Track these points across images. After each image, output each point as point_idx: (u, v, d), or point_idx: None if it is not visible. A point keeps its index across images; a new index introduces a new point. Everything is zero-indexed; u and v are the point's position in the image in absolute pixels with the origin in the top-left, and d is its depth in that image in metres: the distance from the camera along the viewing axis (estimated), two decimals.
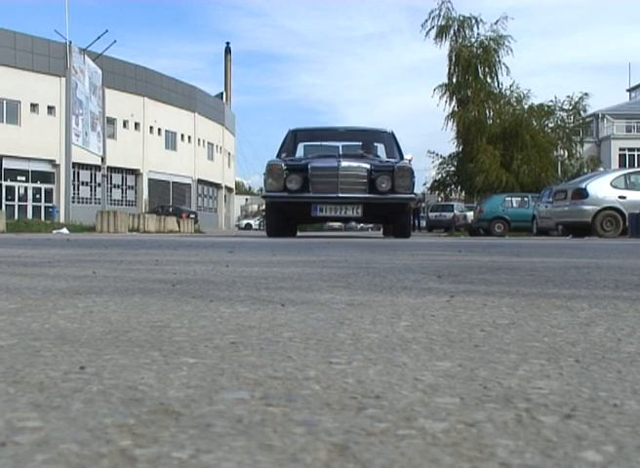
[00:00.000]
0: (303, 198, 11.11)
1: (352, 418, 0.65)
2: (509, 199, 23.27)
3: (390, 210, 11.49)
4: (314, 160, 11.67)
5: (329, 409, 0.68)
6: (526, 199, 22.91)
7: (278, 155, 12.31)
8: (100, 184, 35.68)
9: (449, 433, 0.61)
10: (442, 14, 30.90)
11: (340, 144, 11.94)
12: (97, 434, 0.60)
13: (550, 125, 32.30)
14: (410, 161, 12.27)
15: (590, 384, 0.79)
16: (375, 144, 13.18)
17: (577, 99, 32.18)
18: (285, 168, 11.10)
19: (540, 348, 1.02)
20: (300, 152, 13.19)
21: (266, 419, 0.64)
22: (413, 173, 11.40)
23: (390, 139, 13.18)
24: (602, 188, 15.16)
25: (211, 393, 0.74)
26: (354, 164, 11.31)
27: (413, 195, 11.54)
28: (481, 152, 29.41)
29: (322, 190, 11.05)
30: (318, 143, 13.21)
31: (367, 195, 11.08)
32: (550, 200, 17.68)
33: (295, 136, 13.26)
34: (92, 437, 0.59)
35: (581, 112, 32.58)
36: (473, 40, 31.03)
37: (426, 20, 31.09)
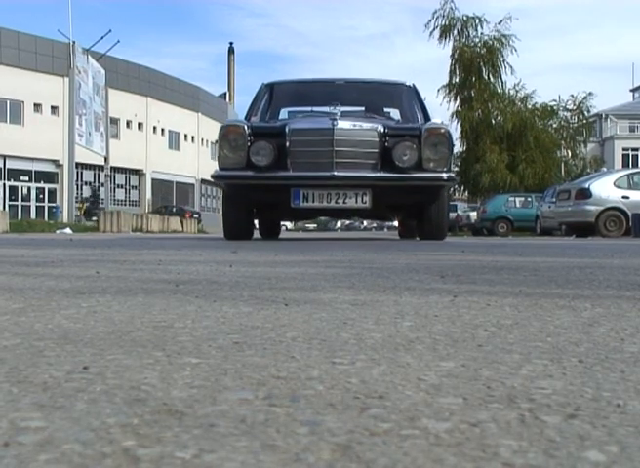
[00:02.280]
0: (278, 179, 7.14)
1: (356, 418, 0.65)
2: (512, 199, 23.26)
3: (416, 197, 7.44)
4: (295, 120, 7.74)
5: (332, 410, 0.68)
6: (529, 199, 22.90)
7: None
8: (103, 184, 35.72)
9: (452, 433, 0.61)
10: (445, 14, 30.87)
11: (338, 110, 7.19)
12: (100, 434, 0.60)
13: (554, 125, 32.28)
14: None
15: (593, 384, 0.79)
16: (387, 109, 8.87)
17: (580, 99, 32.17)
18: (249, 132, 7.10)
19: (544, 348, 1.02)
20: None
21: (270, 419, 0.64)
22: (451, 138, 7.41)
23: (410, 98, 8.71)
24: (605, 188, 15.15)
25: (214, 393, 0.74)
26: (358, 124, 7.30)
27: (451, 174, 7.38)
28: (488, 152, 29.37)
29: (308, 167, 7.04)
30: (308, 109, 8.56)
31: (378, 174, 7.07)
32: (554, 200, 17.66)
33: (271, 95, 8.74)
34: (95, 437, 0.59)
35: (585, 112, 32.55)
36: (477, 40, 31.00)
37: (430, 21, 31.02)
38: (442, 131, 7.26)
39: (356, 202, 7.07)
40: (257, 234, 9.18)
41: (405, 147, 7.03)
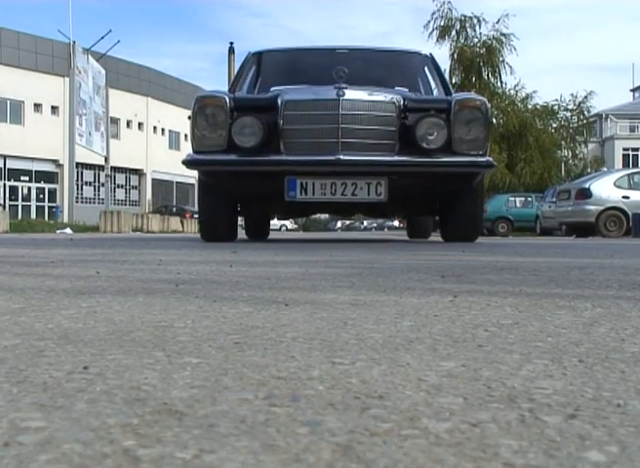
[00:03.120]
0: (268, 165, 5.76)
1: (356, 418, 0.65)
2: (513, 199, 23.26)
3: (444, 187, 5.99)
4: (290, 90, 6.22)
5: (332, 410, 0.68)
6: (529, 199, 22.90)
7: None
8: (103, 184, 35.73)
9: (452, 433, 0.61)
10: (443, 14, 30.84)
11: (344, 76, 5.71)
12: (100, 434, 0.60)
13: (554, 125, 32.26)
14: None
15: (594, 384, 0.79)
16: (401, 84, 6.94)
17: (581, 99, 32.15)
18: (232, 105, 5.74)
19: (544, 348, 1.02)
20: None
21: (270, 419, 0.64)
22: (487, 113, 5.84)
23: (428, 69, 7.23)
24: (605, 188, 15.16)
25: (214, 393, 0.74)
26: (372, 95, 5.83)
27: (489, 158, 5.89)
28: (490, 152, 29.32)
29: (307, 149, 5.67)
30: (305, 86, 6.54)
31: (397, 158, 5.69)
32: (554, 200, 17.67)
33: (259, 66, 7.29)
34: (95, 437, 0.59)
35: (585, 112, 32.53)
36: (476, 40, 30.98)
37: (429, 22, 30.99)
38: (477, 103, 5.78)
39: (368, 194, 5.62)
40: (240, 234, 7.45)
41: (430, 125, 5.58)
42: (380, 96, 5.82)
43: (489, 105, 5.91)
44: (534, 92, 31.68)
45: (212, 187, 6.09)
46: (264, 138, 5.62)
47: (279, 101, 5.72)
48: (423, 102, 6.12)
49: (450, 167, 5.77)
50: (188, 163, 5.88)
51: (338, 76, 5.73)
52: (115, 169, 38.41)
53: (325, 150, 5.61)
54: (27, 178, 37.99)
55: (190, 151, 5.86)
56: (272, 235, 10.76)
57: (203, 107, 5.77)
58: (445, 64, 30.29)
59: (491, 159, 5.94)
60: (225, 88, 8.30)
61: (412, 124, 5.66)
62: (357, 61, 6.82)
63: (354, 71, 6.05)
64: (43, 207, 38.28)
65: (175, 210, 39.29)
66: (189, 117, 5.83)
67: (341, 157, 5.54)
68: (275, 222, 53.76)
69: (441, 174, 5.79)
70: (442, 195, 6.27)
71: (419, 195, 6.26)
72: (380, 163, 5.72)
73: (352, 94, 5.69)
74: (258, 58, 7.33)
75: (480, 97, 6.10)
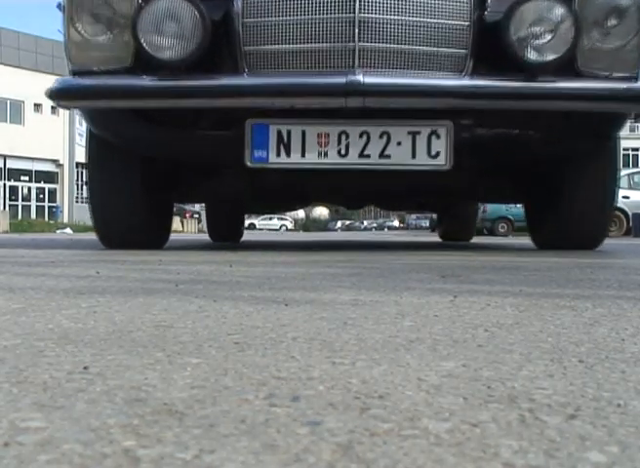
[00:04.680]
0: (215, 95, 3.18)
1: (356, 419, 0.65)
2: None
3: (560, 145, 3.47)
4: None
5: (333, 410, 0.68)
6: None
7: None
8: None
9: (452, 433, 0.61)
10: None
11: None
12: (100, 434, 0.60)
13: None
14: None
15: (594, 384, 0.79)
16: None
17: None
18: None
19: (544, 348, 1.02)
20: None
21: (270, 419, 0.64)
22: None
23: None
24: None
25: (214, 393, 0.74)
26: None
27: None
28: None
29: (288, 65, 3.16)
30: None
31: (471, 82, 3.17)
32: None
33: None
34: (95, 437, 0.59)
35: None
36: None
37: None
38: None
39: (413, 155, 3.21)
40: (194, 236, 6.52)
41: (538, 17, 3.07)
42: None
43: None
44: None
45: (107, 148, 3.63)
46: (206, 45, 3.10)
47: None
48: None
49: (578, 100, 3.17)
50: (57, 93, 3.29)
51: None
52: None
53: (327, 67, 3.13)
54: (27, 178, 38.01)
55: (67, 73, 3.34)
56: (268, 236, 10.46)
57: None
58: None
59: None
60: None
61: (499, 17, 3.10)
62: None
63: None
64: (43, 207, 38.29)
65: (174, 209, 39.25)
66: (59, 6, 3.36)
67: (360, 79, 3.00)
68: (275, 222, 53.21)
69: (559, 115, 3.28)
70: (554, 163, 3.75)
71: (511, 160, 3.68)
72: (437, 91, 3.16)
73: None
74: None
75: None
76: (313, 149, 3.26)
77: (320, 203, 7.53)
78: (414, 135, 3.25)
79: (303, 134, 3.26)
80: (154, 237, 4.17)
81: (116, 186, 3.75)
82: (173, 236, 5.14)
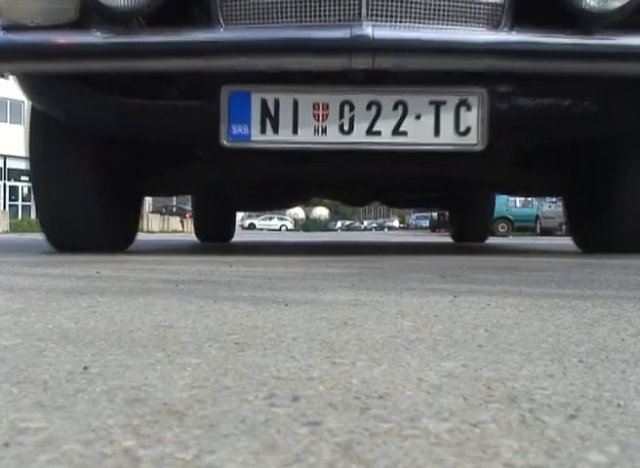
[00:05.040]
0: (181, 53, 2.45)
1: (356, 419, 0.65)
2: (513, 199, 23.27)
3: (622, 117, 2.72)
4: None
5: (333, 410, 0.68)
6: (530, 199, 22.89)
7: None
8: None
9: (453, 433, 0.61)
10: None
11: None
12: (100, 434, 0.60)
13: None
14: None
15: (594, 384, 0.79)
16: None
17: None
18: None
19: (544, 348, 1.02)
20: None
21: (270, 420, 0.64)
22: None
23: None
24: None
25: (214, 393, 0.74)
26: None
27: None
28: None
29: (275, 15, 2.44)
30: None
31: (510, 37, 2.45)
32: (554, 200, 17.67)
33: None
34: (95, 437, 0.59)
35: None
36: None
37: None
38: None
39: (437, 131, 2.63)
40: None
41: None
42: None
43: None
44: None
45: (52, 128, 3.07)
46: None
47: None
48: None
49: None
50: None
51: None
52: None
53: (326, 17, 2.49)
54: (27, 178, 38.03)
55: None
56: (268, 237, 10.34)
57: None
58: None
59: None
60: None
61: None
62: None
63: None
64: None
65: (175, 209, 39.28)
66: None
67: (369, 32, 2.39)
68: (275, 222, 52.97)
69: (623, 82, 2.64)
70: (608, 144, 3.11)
71: (560, 139, 2.96)
72: (467, 48, 2.49)
73: None
74: None
75: None
76: (308, 124, 2.61)
77: (318, 200, 6.63)
78: (437, 105, 2.60)
79: (295, 104, 2.60)
80: (115, 237, 3.53)
81: (65, 176, 3.11)
82: (178, 235, 5.11)
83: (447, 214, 7.99)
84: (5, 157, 36.43)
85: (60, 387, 0.76)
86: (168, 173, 3.52)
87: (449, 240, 8.00)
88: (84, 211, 3.21)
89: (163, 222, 26.31)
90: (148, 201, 43.67)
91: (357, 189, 4.51)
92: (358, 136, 2.61)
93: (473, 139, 2.61)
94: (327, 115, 2.60)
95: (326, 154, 2.76)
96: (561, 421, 0.65)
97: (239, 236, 7.15)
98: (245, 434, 0.60)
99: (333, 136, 2.61)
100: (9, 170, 36.87)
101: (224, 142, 2.64)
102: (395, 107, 2.58)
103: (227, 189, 4.29)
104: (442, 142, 2.63)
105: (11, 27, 2.53)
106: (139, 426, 0.62)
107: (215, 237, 6.20)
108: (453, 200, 5.45)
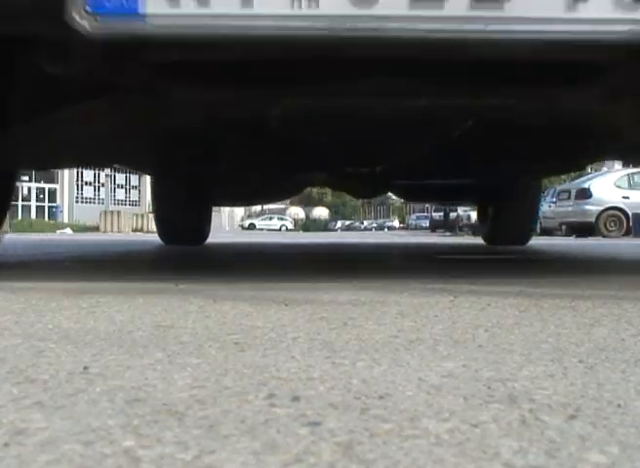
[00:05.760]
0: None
1: (356, 419, 0.65)
2: None
3: None
4: None
5: (333, 410, 0.68)
6: None
7: None
8: (103, 184, 35.71)
9: (453, 433, 0.61)
10: None
11: None
12: (100, 434, 0.60)
13: None
14: None
15: (594, 385, 0.79)
16: None
17: None
18: None
19: (545, 348, 1.02)
20: None
21: (270, 420, 0.64)
22: None
23: None
24: (606, 188, 15.16)
25: (215, 393, 0.74)
26: None
27: None
28: None
29: None
30: None
31: None
32: (554, 200, 17.67)
33: None
34: (96, 437, 0.59)
35: None
36: None
37: None
38: None
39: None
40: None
41: None
42: None
43: None
44: None
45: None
46: None
47: None
48: None
49: None
50: None
51: None
52: (115, 169, 38.37)
53: None
54: (27, 178, 37.99)
55: None
56: (268, 237, 10.27)
57: None
58: None
59: None
60: None
61: None
62: None
63: None
64: (43, 207, 38.27)
65: None
66: None
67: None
68: (275, 222, 52.96)
69: None
70: None
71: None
72: None
73: None
74: None
75: None
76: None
77: (318, 200, 5.72)
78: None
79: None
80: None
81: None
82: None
83: (448, 214, 7.98)
84: None
85: (60, 387, 0.76)
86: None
87: (449, 239, 7.91)
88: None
89: None
90: (149, 201, 43.61)
91: (371, 164, 3.07)
92: (384, 7, 1.35)
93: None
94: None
95: (319, 67, 1.58)
96: (561, 421, 0.65)
97: (240, 236, 7.17)
98: (245, 434, 0.60)
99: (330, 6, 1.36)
100: None
101: (77, 18, 1.35)
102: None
103: (196, 170, 3.13)
104: (588, 18, 1.38)
105: None
106: (138, 426, 0.62)
107: (182, 238, 5.00)
108: (491, 189, 4.38)
